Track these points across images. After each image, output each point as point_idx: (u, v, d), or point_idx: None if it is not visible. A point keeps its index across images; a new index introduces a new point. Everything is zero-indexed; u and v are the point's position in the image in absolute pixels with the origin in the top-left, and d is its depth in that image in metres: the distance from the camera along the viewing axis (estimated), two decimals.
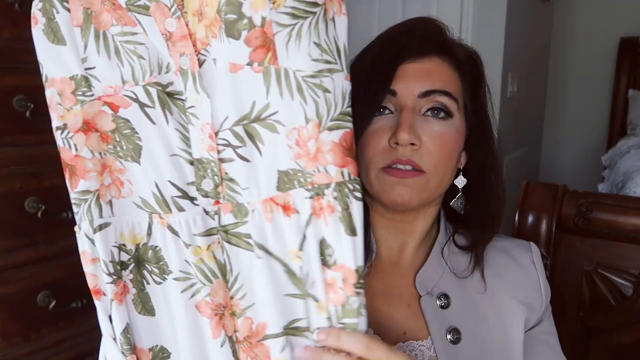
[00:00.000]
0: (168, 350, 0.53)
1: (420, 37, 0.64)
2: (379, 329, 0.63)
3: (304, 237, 0.47)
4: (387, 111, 0.62)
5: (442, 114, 0.62)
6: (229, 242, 0.50)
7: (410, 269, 0.68)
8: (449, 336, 0.63)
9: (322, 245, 0.47)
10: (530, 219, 1.01)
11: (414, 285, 0.66)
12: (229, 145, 0.48)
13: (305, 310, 0.49)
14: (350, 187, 0.45)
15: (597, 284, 1.00)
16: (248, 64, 0.45)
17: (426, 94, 0.62)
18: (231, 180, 0.49)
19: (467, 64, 0.66)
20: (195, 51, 0.47)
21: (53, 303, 0.90)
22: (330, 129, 0.45)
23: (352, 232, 0.46)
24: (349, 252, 0.46)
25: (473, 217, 0.69)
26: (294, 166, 0.46)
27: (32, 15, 0.50)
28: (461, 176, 0.68)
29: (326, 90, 0.44)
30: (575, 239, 1.01)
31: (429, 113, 0.62)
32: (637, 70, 2.88)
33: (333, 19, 0.44)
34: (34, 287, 0.90)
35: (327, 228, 0.46)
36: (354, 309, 0.46)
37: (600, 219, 0.98)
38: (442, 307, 0.64)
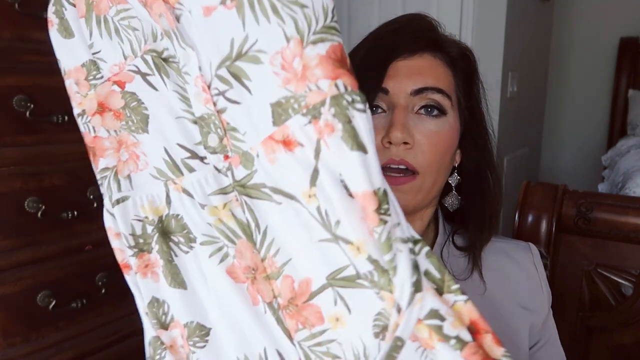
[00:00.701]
0: (206, 326, 0.50)
1: (412, 34, 0.63)
2: None
3: (316, 170, 0.40)
4: (379, 110, 0.61)
5: (435, 112, 0.61)
6: (249, 196, 0.45)
7: None
8: None
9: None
10: (530, 219, 1.01)
11: None
12: (219, 93, 0.45)
13: (345, 256, 0.41)
14: (349, 98, 0.39)
15: (597, 284, 1.00)
16: (221, 3, 0.42)
17: (419, 91, 0.61)
18: (233, 129, 0.45)
19: (460, 60, 0.65)
20: (171, 7, 0.45)
21: (53, 303, 0.90)
22: (315, 42, 0.39)
23: (361, 147, 0.38)
24: (361, 173, 0.38)
25: (470, 216, 0.67)
26: (285, 94, 0.41)
27: (48, 19, 0.54)
28: (455, 174, 0.67)
29: (303, 6, 0.39)
30: (575, 239, 1.01)
31: (422, 111, 0.61)
32: (637, 70, 2.89)
33: None
34: (34, 287, 0.89)
35: (330, 151, 0.39)
36: (382, 242, 0.39)
37: (600, 219, 0.97)
38: None
